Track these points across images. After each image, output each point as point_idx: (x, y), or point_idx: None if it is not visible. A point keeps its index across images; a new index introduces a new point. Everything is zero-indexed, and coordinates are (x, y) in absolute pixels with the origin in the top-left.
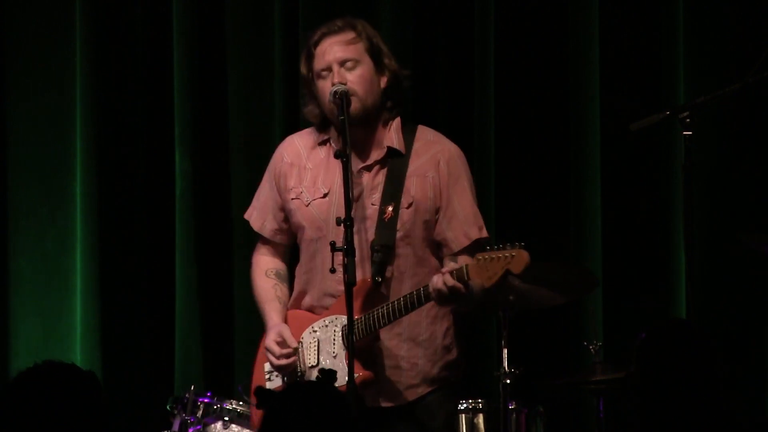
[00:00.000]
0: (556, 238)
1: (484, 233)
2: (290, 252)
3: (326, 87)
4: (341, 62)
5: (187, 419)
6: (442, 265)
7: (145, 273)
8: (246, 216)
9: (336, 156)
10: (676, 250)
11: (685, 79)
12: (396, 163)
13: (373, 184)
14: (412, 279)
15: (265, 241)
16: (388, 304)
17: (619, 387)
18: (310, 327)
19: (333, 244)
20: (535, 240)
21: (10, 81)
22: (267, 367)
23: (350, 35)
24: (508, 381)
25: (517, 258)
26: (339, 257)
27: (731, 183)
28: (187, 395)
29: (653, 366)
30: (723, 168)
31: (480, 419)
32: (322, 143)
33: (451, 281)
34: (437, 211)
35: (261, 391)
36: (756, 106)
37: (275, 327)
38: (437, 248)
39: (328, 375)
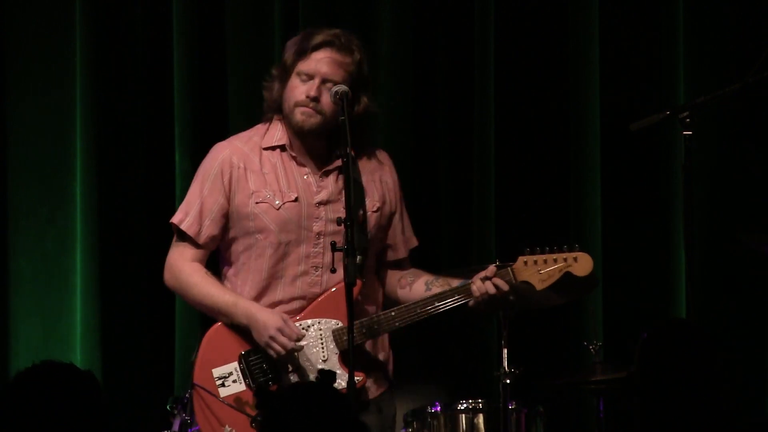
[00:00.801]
0: (556, 238)
1: (417, 240)
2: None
3: (297, 89)
4: (324, 79)
5: (187, 419)
6: (387, 271)
7: (145, 273)
8: (175, 221)
9: (336, 156)
10: (676, 250)
11: (685, 79)
12: (351, 170)
13: (337, 188)
14: (372, 281)
15: (192, 249)
16: (410, 306)
17: (620, 387)
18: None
19: (333, 244)
20: (535, 240)
21: (10, 81)
22: (217, 372)
23: (347, 59)
24: (508, 381)
25: (582, 261)
26: (312, 257)
27: (731, 183)
28: (187, 395)
29: (655, 366)
30: (723, 168)
31: (480, 419)
32: (269, 148)
33: (504, 285)
34: (392, 215)
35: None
36: (756, 106)
37: (272, 317)
38: (381, 253)
39: (328, 376)
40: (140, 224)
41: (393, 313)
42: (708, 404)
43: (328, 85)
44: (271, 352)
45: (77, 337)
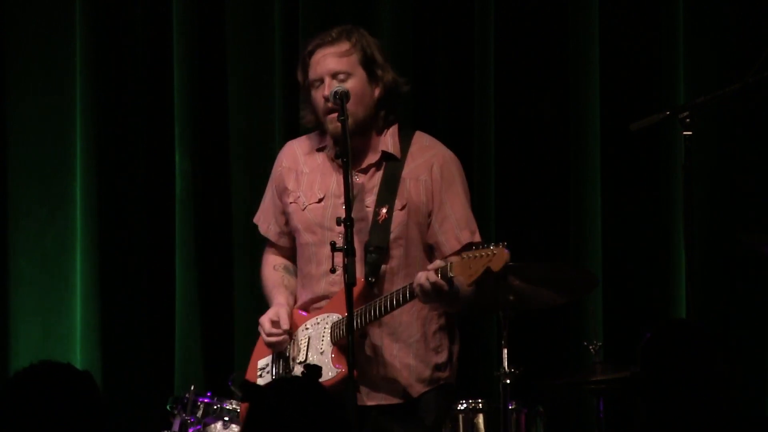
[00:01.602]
0: (556, 238)
1: (477, 237)
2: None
3: (318, 97)
4: (333, 74)
5: (187, 419)
6: None
7: (145, 273)
8: (255, 220)
9: (336, 156)
10: (676, 250)
11: (685, 79)
12: (391, 166)
13: (368, 186)
14: (404, 280)
15: (272, 243)
16: (376, 301)
17: (620, 387)
18: (304, 325)
19: (333, 244)
20: (535, 240)
21: (10, 81)
22: (261, 363)
23: (344, 47)
24: (508, 381)
25: (497, 256)
26: (337, 257)
27: (731, 183)
28: (187, 395)
29: (657, 366)
30: (723, 168)
31: (480, 419)
32: (320, 149)
33: (433, 277)
34: (430, 213)
35: (245, 384)
36: (756, 106)
37: (275, 306)
38: (430, 251)
39: (313, 370)
40: (140, 224)
41: (370, 306)
42: (709, 404)
43: (340, 77)
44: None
45: (77, 337)
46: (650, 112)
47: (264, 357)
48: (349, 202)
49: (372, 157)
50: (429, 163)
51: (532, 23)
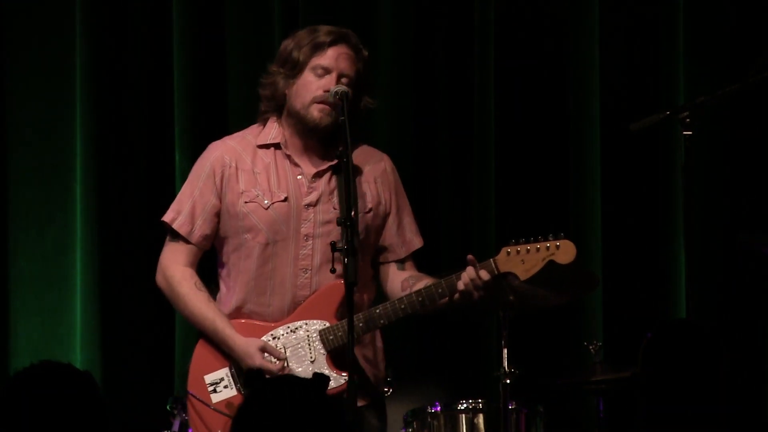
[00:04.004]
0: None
1: (422, 242)
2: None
3: (313, 84)
4: (341, 74)
5: (187, 419)
6: (383, 272)
7: (144, 273)
8: (167, 220)
9: (337, 157)
10: (676, 250)
11: (685, 79)
12: (350, 165)
13: (329, 188)
14: (364, 282)
15: (185, 249)
16: (396, 302)
17: (620, 387)
18: (269, 335)
19: (333, 245)
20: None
21: (11, 82)
22: (210, 378)
23: (359, 56)
24: (508, 381)
25: (563, 249)
26: (301, 259)
27: (731, 183)
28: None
29: (659, 366)
30: (723, 168)
31: (480, 419)
32: (263, 147)
33: (485, 275)
34: (386, 216)
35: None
36: (756, 106)
37: (252, 345)
38: (377, 254)
39: (321, 380)
40: (140, 224)
41: (378, 311)
42: (711, 404)
43: (343, 80)
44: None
45: (77, 337)
46: (650, 112)
47: (214, 370)
48: (349, 202)
49: (328, 162)
50: (380, 166)
51: (532, 23)
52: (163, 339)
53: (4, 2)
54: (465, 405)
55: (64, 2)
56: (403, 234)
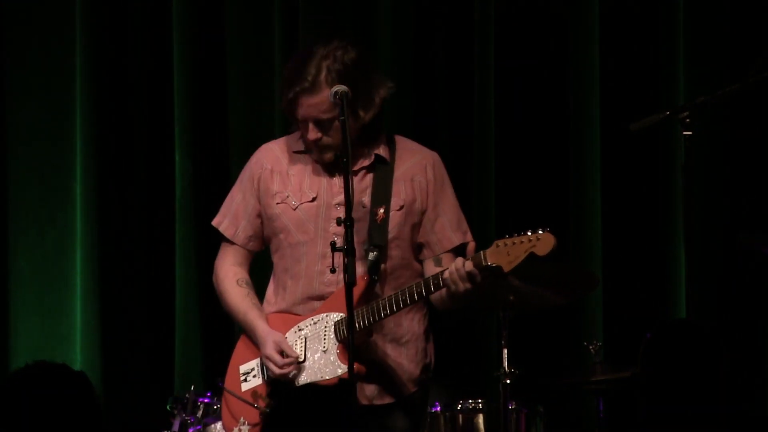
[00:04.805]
0: (556, 237)
1: (469, 238)
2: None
3: (303, 132)
4: (316, 121)
5: (187, 419)
6: (423, 268)
7: (145, 273)
8: (215, 223)
9: (337, 157)
10: (676, 250)
11: (685, 79)
12: (381, 169)
13: (360, 187)
14: (398, 280)
15: (233, 250)
16: (392, 295)
17: (620, 387)
18: (296, 326)
19: (333, 244)
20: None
21: (11, 82)
22: (243, 368)
23: (323, 96)
24: (508, 381)
25: (543, 240)
26: (328, 258)
27: (731, 183)
28: (187, 395)
29: (659, 366)
30: (723, 168)
31: (480, 419)
32: (301, 152)
33: (469, 266)
34: (423, 213)
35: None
36: (756, 106)
37: (270, 335)
38: (419, 251)
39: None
40: (140, 224)
41: (381, 302)
42: (711, 404)
43: (322, 118)
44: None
45: (77, 337)
46: (650, 112)
47: (247, 361)
48: (349, 203)
49: (364, 161)
50: (421, 165)
51: (532, 23)
52: (163, 339)
53: (4, 2)
54: (465, 405)
55: (64, 2)
56: (440, 231)
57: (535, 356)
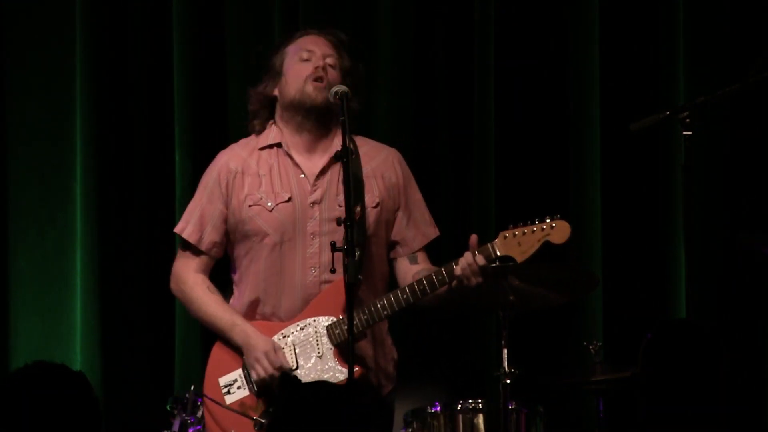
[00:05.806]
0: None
1: (437, 231)
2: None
3: (303, 67)
4: (325, 55)
5: (187, 419)
6: (395, 267)
7: (145, 273)
8: (177, 230)
9: (336, 158)
10: (676, 251)
11: (685, 79)
12: (347, 166)
13: (333, 185)
14: (372, 279)
15: (195, 256)
16: (392, 295)
17: (620, 387)
18: (280, 333)
19: (333, 244)
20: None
21: (11, 81)
22: (224, 380)
23: (337, 45)
24: (508, 381)
25: (559, 228)
26: (311, 258)
27: (731, 183)
28: (187, 395)
29: (659, 366)
30: (723, 168)
31: (480, 419)
32: (263, 148)
33: (482, 260)
34: (396, 211)
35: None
36: (756, 106)
37: (263, 341)
38: (391, 249)
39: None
40: (140, 224)
41: (383, 302)
42: (711, 404)
43: (329, 60)
44: (253, 373)
45: (77, 337)
46: (650, 112)
47: (227, 373)
48: (349, 203)
49: (328, 156)
50: (389, 161)
51: (532, 23)
52: (163, 339)
53: (4, 2)
54: (465, 405)
55: (64, 2)
56: (414, 227)
57: (535, 356)
